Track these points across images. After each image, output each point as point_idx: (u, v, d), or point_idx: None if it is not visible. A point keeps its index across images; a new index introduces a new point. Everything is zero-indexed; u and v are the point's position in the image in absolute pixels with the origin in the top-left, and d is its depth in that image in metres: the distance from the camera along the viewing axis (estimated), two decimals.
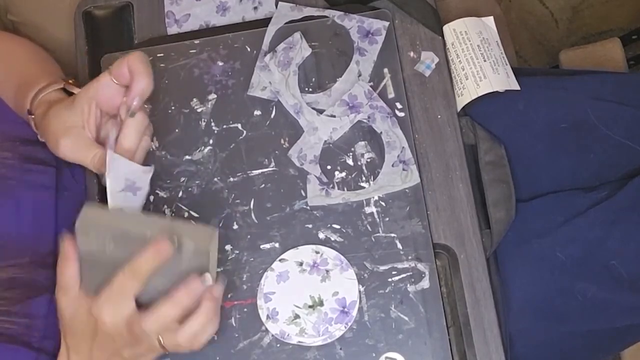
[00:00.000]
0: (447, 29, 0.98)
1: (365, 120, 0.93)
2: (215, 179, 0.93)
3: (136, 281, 0.73)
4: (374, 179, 0.91)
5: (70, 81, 0.91)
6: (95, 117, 0.83)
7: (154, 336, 0.75)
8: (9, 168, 0.86)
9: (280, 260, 0.90)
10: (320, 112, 0.94)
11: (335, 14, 0.98)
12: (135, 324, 0.74)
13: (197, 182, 0.93)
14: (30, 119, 0.88)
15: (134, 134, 0.81)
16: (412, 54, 0.96)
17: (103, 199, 0.93)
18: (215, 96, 0.96)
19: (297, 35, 0.96)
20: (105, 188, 0.81)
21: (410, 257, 0.89)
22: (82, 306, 0.76)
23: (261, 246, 0.91)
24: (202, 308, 0.77)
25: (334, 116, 0.93)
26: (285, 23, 0.98)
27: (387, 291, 0.88)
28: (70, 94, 0.89)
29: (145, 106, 0.87)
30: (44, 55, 1.00)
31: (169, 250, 0.73)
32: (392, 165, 0.91)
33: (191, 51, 0.98)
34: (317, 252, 0.90)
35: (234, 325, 0.89)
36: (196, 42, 0.98)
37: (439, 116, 0.94)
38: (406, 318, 0.87)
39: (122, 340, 0.75)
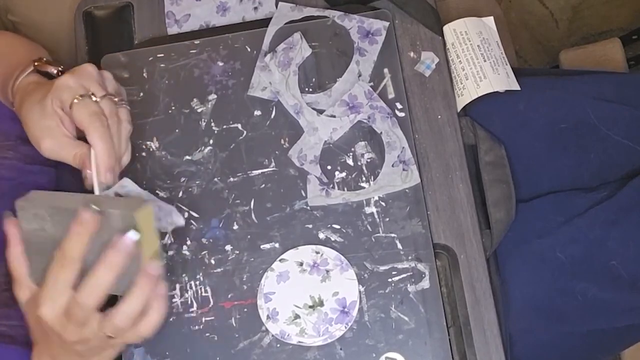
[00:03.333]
0: (447, 29, 0.97)
1: (365, 121, 0.93)
2: (216, 179, 0.93)
3: (68, 267, 0.69)
4: (374, 179, 0.91)
5: (44, 59, 0.87)
6: (69, 117, 0.80)
7: (93, 316, 0.70)
8: (8, 169, 0.86)
9: (280, 260, 0.90)
10: (321, 112, 0.94)
11: (335, 14, 0.97)
12: (73, 307, 0.69)
13: (197, 182, 0.93)
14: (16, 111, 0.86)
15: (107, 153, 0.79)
16: (412, 54, 0.96)
17: None
18: (215, 96, 0.96)
19: (297, 35, 0.96)
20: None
21: (410, 257, 0.89)
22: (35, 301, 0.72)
23: (261, 246, 0.91)
24: (136, 286, 0.71)
25: (334, 116, 0.93)
26: (286, 23, 0.98)
27: (387, 291, 0.88)
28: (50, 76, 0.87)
29: (127, 107, 0.85)
30: (28, 45, 0.97)
31: (93, 220, 0.69)
32: (392, 166, 0.91)
33: (191, 51, 0.98)
34: (317, 252, 0.89)
35: (234, 325, 0.89)
36: (196, 42, 0.98)
37: (439, 116, 0.94)
38: (406, 318, 0.87)
39: (68, 333, 0.70)
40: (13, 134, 0.88)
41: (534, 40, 1.62)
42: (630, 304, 0.94)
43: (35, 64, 0.86)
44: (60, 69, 0.86)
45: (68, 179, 0.93)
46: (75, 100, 0.78)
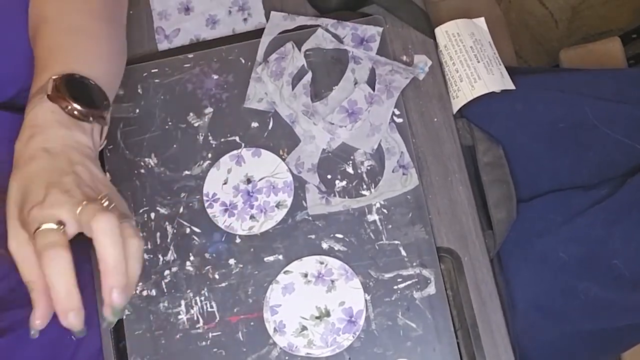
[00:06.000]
0: (439, 31, 0.97)
1: None
2: None
3: None
4: (374, 187, 0.91)
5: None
6: None
7: None
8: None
9: (284, 272, 0.89)
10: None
11: (328, 22, 0.97)
12: None
13: (197, 197, 0.93)
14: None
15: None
16: (405, 58, 0.96)
17: None
18: (211, 110, 0.96)
19: (289, 45, 0.95)
20: None
21: (415, 264, 0.88)
22: None
23: (265, 259, 0.90)
24: None
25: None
26: (279, 33, 0.97)
27: (393, 299, 0.88)
28: None
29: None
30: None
31: None
32: (392, 171, 0.91)
33: (185, 65, 0.97)
34: (321, 263, 0.89)
35: (242, 339, 0.88)
36: (190, 56, 0.98)
37: (435, 119, 0.93)
38: (413, 325, 0.86)
39: None
40: (7, 132, 0.87)
41: (534, 40, 1.62)
42: (632, 303, 0.93)
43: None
44: None
45: None
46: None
